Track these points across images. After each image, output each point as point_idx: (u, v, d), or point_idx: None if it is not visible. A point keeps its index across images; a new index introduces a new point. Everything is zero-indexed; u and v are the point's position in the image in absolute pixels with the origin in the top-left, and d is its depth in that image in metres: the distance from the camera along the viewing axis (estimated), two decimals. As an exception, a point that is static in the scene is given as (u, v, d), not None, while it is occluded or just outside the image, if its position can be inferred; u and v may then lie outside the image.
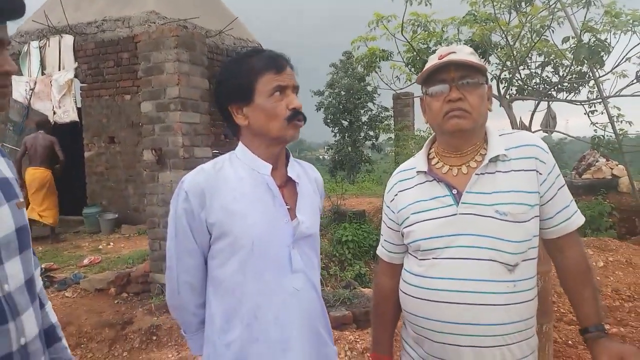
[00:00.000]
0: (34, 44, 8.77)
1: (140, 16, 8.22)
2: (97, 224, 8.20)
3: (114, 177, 8.50)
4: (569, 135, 7.96)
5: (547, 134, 8.56)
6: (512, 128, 7.69)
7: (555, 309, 4.59)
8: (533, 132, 7.82)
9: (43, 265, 6.00)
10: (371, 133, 19.21)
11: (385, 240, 1.74)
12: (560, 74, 7.36)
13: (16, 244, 1.12)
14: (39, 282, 1.31)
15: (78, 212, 8.50)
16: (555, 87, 7.71)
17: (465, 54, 1.53)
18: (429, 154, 1.66)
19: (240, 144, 1.54)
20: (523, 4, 7.02)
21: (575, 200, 1.60)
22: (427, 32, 7.45)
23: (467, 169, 1.54)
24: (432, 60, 1.56)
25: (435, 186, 1.56)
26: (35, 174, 7.47)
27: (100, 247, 7.22)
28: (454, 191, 1.52)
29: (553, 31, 6.49)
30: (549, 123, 8.09)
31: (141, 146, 5.55)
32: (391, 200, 1.68)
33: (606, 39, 6.23)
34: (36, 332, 1.15)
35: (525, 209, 1.47)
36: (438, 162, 1.61)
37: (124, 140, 8.38)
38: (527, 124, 7.71)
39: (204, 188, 1.43)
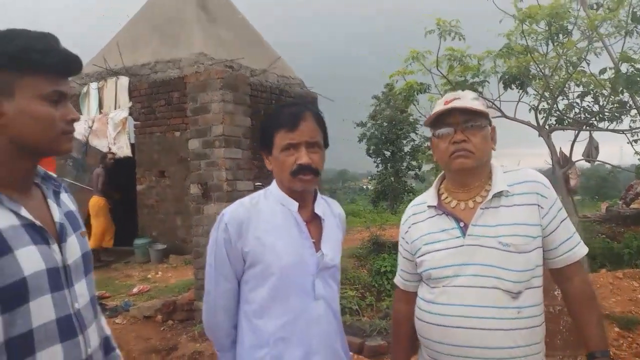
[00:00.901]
0: (93, 86, 9.44)
1: (190, 58, 8.74)
2: (147, 254, 8.60)
3: (164, 209, 8.92)
4: (611, 165, 7.81)
5: (590, 164, 8.45)
6: (552, 158, 7.65)
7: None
8: (574, 162, 7.76)
9: (96, 293, 6.37)
10: (414, 163, 19.27)
11: (401, 270, 1.90)
12: (601, 103, 7.32)
13: (82, 267, 1.33)
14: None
15: (130, 243, 8.95)
16: (597, 117, 7.66)
17: (468, 100, 1.69)
18: (439, 190, 1.82)
19: (274, 181, 1.75)
20: (560, 35, 7.10)
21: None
22: (463, 66, 7.61)
23: (473, 204, 1.69)
24: (439, 106, 1.73)
25: (445, 219, 1.71)
26: (91, 201, 8.65)
27: (149, 276, 7.57)
28: (461, 224, 1.67)
29: (588, 63, 6.52)
30: (592, 153, 7.99)
31: (189, 180, 5.88)
32: (405, 232, 1.84)
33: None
34: (98, 343, 1.35)
35: (528, 240, 1.60)
36: (447, 197, 1.76)
37: (173, 175, 8.82)
38: (567, 153, 7.66)
39: (242, 220, 1.64)
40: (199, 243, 5.23)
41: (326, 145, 1.74)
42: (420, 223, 1.79)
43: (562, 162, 7.66)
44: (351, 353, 4.58)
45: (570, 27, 6.75)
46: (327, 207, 1.81)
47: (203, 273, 5.28)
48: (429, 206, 1.78)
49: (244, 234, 1.63)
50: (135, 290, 6.56)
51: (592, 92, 7.29)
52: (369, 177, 23.98)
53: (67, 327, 1.22)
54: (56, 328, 1.19)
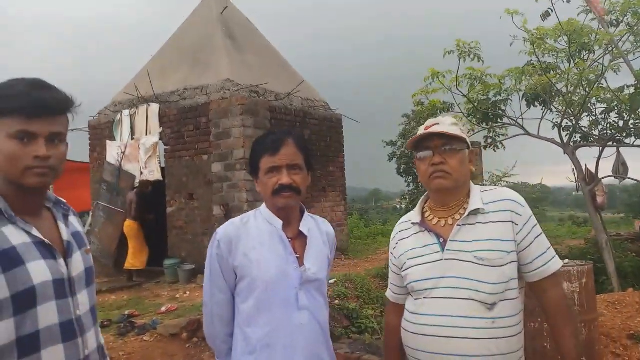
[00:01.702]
0: (126, 113, 9.87)
1: (217, 84, 9.06)
2: (176, 274, 8.85)
3: (192, 230, 9.17)
4: (638, 181, 7.67)
5: (618, 180, 8.31)
6: (577, 175, 7.57)
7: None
8: (601, 179, 7.65)
9: (126, 312, 6.62)
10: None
11: (391, 283, 2.01)
12: (625, 119, 7.24)
13: (84, 280, 1.53)
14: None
15: (160, 264, 9.23)
16: (624, 133, 7.56)
17: (446, 125, 1.82)
18: (423, 208, 1.93)
19: (264, 203, 1.91)
20: (582, 52, 7.09)
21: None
22: (484, 85, 7.67)
23: (452, 221, 1.80)
24: (420, 131, 1.85)
25: (427, 235, 1.83)
26: (125, 225, 9.28)
27: (178, 295, 7.79)
28: (441, 240, 1.78)
29: (606, 80, 6.49)
30: (619, 170, 7.86)
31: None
32: (394, 248, 1.96)
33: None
34: (95, 346, 1.54)
35: (502, 255, 1.69)
36: (430, 214, 1.88)
37: (201, 197, 9.08)
38: (592, 170, 7.57)
39: (232, 238, 1.83)
40: (222, 263, 5.39)
41: (310, 167, 1.89)
42: (405, 239, 1.91)
43: (587, 179, 7.57)
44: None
45: (591, 44, 6.75)
46: (315, 225, 1.95)
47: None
48: (413, 223, 1.90)
49: (234, 251, 1.80)
50: (163, 309, 6.78)
51: (616, 108, 7.23)
52: (401, 197, 23.87)
53: (69, 330, 1.42)
54: (59, 330, 1.39)
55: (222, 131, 5.39)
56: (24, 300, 1.33)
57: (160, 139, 9.52)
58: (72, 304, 1.45)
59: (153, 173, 9.37)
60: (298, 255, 1.82)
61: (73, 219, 1.63)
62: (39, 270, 1.37)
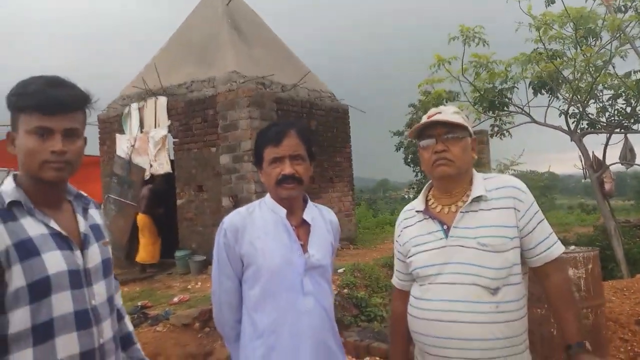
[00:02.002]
0: (134, 106, 9.94)
1: (223, 76, 9.09)
2: (187, 265, 8.96)
3: (202, 222, 9.26)
4: (646, 167, 7.64)
5: (625, 167, 8.28)
6: (584, 162, 7.56)
7: (629, 347, 4.46)
8: (609, 166, 7.64)
9: (139, 303, 6.74)
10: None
11: (397, 270, 2.06)
12: (633, 105, 7.21)
13: (102, 271, 1.60)
14: (119, 301, 1.81)
15: (171, 255, 9.35)
16: (632, 119, 7.53)
17: (449, 114, 1.86)
18: (427, 196, 1.97)
19: (268, 192, 1.98)
20: (589, 38, 7.05)
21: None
22: (490, 73, 7.65)
23: (455, 208, 1.85)
24: (423, 119, 1.89)
25: (430, 223, 1.88)
26: (137, 218, 9.44)
27: (189, 286, 7.90)
28: (445, 226, 1.83)
29: (614, 66, 6.46)
30: (627, 156, 7.84)
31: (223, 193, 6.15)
32: (398, 235, 2.01)
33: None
34: (111, 335, 1.59)
35: (505, 241, 1.74)
36: (433, 202, 1.93)
37: (210, 189, 9.16)
38: (600, 157, 7.55)
39: (238, 226, 1.90)
40: (231, 253, 5.47)
41: (312, 157, 1.95)
42: (410, 227, 1.96)
43: (595, 166, 7.55)
44: (377, 358, 4.70)
45: (598, 30, 6.72)
46: (319, 214, 2.01)
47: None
48: (417, 211, 1.94)
49: (240, 239, 1.87)
50: (175, 300, 6.88)
51: (623, 95, 7.20)
52: (409, 186, 23.84)
53: (84, 319, 1.48)
54: (74, 319, 1.45)
55: (229, 123, 5.44)
56: (39, 289, 1.40)
57: (169, 132, 9.59)
58: (88, 294, 1.51)
59: (163, 165, 9.45)
60: (302, 243, 1.88)
61: (94, 212, 1.70)
62: (54, 261, 1.43)
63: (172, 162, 9.62)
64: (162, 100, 9.62)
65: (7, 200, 1.44)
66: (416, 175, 20.08)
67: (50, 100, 1.44)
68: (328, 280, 1.96)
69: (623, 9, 6.95)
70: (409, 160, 19.76)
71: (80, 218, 1.60)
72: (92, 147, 11.22)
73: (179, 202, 9.61)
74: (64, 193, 1.61)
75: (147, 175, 9.48)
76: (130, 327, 1.84)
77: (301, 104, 9.64)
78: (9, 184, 1.49)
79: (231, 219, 1.93)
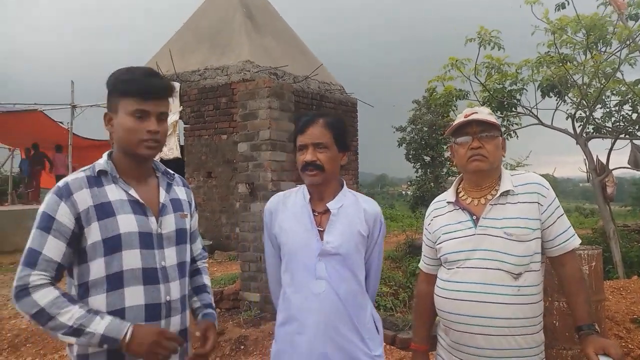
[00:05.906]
0: (147, 91, 10.07)
1: (237, 65, 9.25)
2: (194, 250, 9.13)
3: (210, 208, 9.45)
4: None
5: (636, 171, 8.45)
6: (588, 166, 7.75)
7: (623, 344, 4.65)
8: (611, 170, 7.81)
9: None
10: (454, 169, 19.13)
11: (424, 256, 2.24)
12: (639, 111, 7.38)
13: (174, 239, 1.79)
14: (203, 267, 2.07)
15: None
16: (637, 125, 7.71)
17: (485, 114, 2.03)
18: (457, 189, 2.15)
19: None
20: (599, 44, 7.21)
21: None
22: (501, 74, 7.80)
23: (484, 200, 2.02)
24: (459, 118, 2.06)
25: (460, 213, 2.05)
26: None
27: (197, 270, 8.07)
28: (474, 217, 2.01)
29: (622, 73, 6.62)
30: (637, 161, 8.04)
31: (234, 180, 6.32)
32: (428, 224, 2.19)
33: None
34: (178, 296, 1.78)
35: (528, 232, 1.92)
36: (463, 195, 2.10)
37: (220, 175, 9.33)
38: (604, 162, 7.74)
39: (273, 209, 2.10)
40: (246, 238, 5.65)
41: (342, 146, 2.06)
42: (440, 216, 2.13)
43: (598, 170, 7.74)
44: (385, 344, 4.89)
45: (609, 37, 6.86)
46: (354, 202, 2.09)
47: (248, 266, 5.70)
48: (448, 202, 2.12)
49: (274, 220, 2.07)
50: (184, 282, 7.05)
51: (629, 101, 7.37)
52: (408, 183, 23.92)
53: (151, 276, 1.70)
54: (141, 274, 1.68)
55: (248, 112, 5.58)
56: (112, 245, 1.63)
57: (180, 118, 9.74)
58: (158, 256, 1.72)
59: (172, 151, 9.61)
60: (322, 229, 1.99)
61: (179, 189, 1.92)
62: (126, 222, 1.66)
63: (181, 147, 9.78)
64: (175, 86, 9.74)
65: (97, 169, 1.70)
66: (417, 172, 20.13)
67: (149, 88, 1.68)
68: (350, 268, 2.00)
69: (635, 17, 7.10)
70: (410, 156, 19.77)
71: (162, 191, 1.83)
72: (103, 131, 11.35)
73: (187, 187, 9.77)
74: (151, 168, 1.84)
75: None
76: (208, 281, 2.06)
77: (312, 95, 9.80)
78: (103, 158, 1.74)
79: (270, 202, 2.12)
